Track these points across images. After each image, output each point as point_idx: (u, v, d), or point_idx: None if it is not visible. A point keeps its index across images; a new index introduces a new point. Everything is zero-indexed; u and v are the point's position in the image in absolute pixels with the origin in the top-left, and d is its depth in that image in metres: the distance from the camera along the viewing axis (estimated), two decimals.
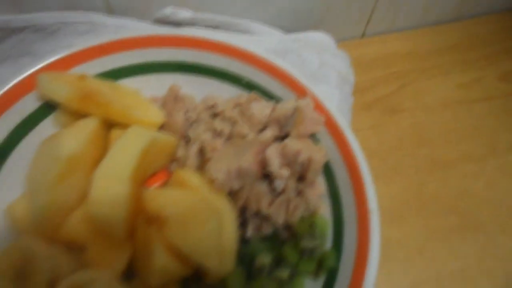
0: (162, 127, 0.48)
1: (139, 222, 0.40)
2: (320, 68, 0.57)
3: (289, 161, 0.41)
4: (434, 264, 0.55)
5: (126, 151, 0.39)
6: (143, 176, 0.44)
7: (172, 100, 0.48)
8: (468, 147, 0.67)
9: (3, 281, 0.36)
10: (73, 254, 0.40)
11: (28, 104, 0.44)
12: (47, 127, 0.45)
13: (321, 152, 0.42)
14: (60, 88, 0.42)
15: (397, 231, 0.57)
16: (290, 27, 0.62)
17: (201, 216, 0.37)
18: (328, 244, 0.42)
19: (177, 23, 0.54)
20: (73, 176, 0.40)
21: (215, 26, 0.57)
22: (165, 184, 0.47)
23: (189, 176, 0.43)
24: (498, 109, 0.73)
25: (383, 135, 0.66)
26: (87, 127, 0.42)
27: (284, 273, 0.41)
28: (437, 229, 0.58)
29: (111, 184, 0.38)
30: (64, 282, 0.36)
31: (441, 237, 0.57)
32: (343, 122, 0.44)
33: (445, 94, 0.73)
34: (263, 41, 0.57)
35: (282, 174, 0.41)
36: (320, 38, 0.61)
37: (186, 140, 0.47)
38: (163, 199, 0.39)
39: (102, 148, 0.44)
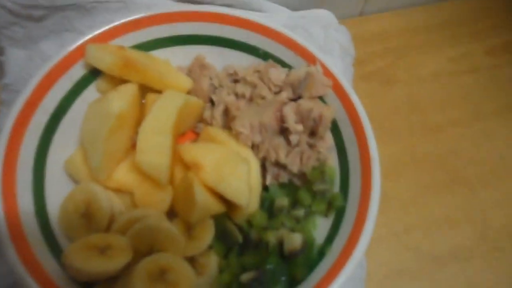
0: (189, 93, 0.55)
1: (178, 170, 0.47)
2: (325, 41, 0.64)
3: (302, 118, 0.49)
4: (424, 212, 0.63)
5: (166, 109, 0.46)
6: (178, 132, 0.51)
7: (197, 68, 0.54)
8: (456, 113, 0.74)
9: (73, 217, 0.44)
10: (122, 198, 0.48)
11: (75, 73, 0.50)
12: (90, 93, 0.52)
13: (330, 109, 0.49)
14: (105, 57, 0.48)
15: (393, 185, 0.65)
16: (296, 5, 0.69)
17: (232, 161, 0.45)
18: (336, 188, 0.50)
19: (198, 1, 0.60)
20: (121, 131, 0.47)
21: (230, 5, 0.63)
22: (194, 142, 0.54)
23: (217, 132, 0.50)
24: (484, 80, 0.80)
25: (380, 102, 0.74)
26: (129, 91, 0.48)
27: (299, 212, 0.49)
28: (428, 184, 0.66)
29: (155, 136, 0.45)
30: (122, 217, 0.44)
31: (431, 191, 0.65)
32: (348, 85, 0.51)
33: (436, 67, 0.80)
34: (274, 18, 0.63)
35: (297, 128, 0.48)
36: (324, 15, 0.68)
37: (211, 103, 0.54)
38: (198, 150, 0.46)
39: (139, 110, 0.51)
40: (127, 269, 0.42)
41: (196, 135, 0.55)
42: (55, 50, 0.50)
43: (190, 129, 0.55)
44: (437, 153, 0.69)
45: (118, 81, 0.51)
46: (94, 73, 0.52)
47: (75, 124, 0.49)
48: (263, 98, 0.50)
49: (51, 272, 0.41)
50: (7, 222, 0.41)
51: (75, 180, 0.48)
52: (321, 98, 0.52)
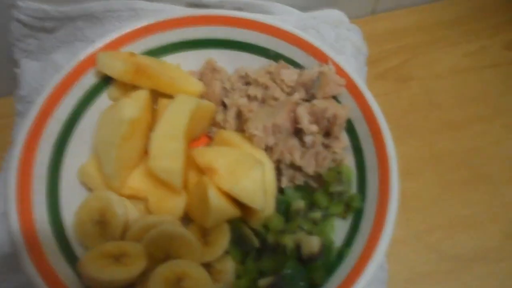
0: (201, 97, 0.54)
1: (192, 175, 0.47)
2: (336, 40, 0.62)
3: (317, 118, 0.47)
4: (447, 212, 0.61)
5: (178, 114, 0.46)
6: (191, 136, 0.50)
7: (209, 72, 0.54)
8: (476, 109, 0.72)
9: (88, 225, 0.43)
10: (137, 205, 0.47)
11: (87, 81, 0.50)
12: (102, 101, 0.52)
13: (345, 109, 0.48)
14: (116, 64, 0.48)
15: (414, 185, 0.63)
16: (306, 6, 0.68)
17: (246, 164, 0.44)
18: (354, 189, 0.48)
19: (207, 6, 0.60)
20: (134, 138, 0.46)
21: (239, 8, 0.62)
22: (208, 146, 0.53)
23: (230, 135, 0.49)
24: (503, 75, 0.77)
25: (396, 101, 0.72)
26: (141, 97, 0.48)
27: (317, 214, 0.47)
28: (449, 182, 0.64)
29: (168, 141, 0.44)
30: (136, 224, 0.44)
31: (453, 189, 0.63)
32: (362, 84, 0.50)
33: (453, 63, 0.78)
34: (285, 19, 0.62)
35: (311, 129, 0.47)
36: (335, 15, 0.67)
37: (224, 106, 0.53)
38: (211, 153, 0.46)
39: (151, 115, 0.51)
40: (143, 276, 0.41)
41: (210, 139, 0.55)
42: (68, 60, 0.51)
43: (203, 133, 0.55)
44: (457, 151, 0.67)
45: (129, 87, 0.51)
46: (105, 81, 0.52)
47: (88, 132, 0.49)
48: (275, 99, 0.49)
49: (68, 282, 0.40)
50: (23, 233, 0.41)
51: (89, 188, 0.48)
52: (335, 97, 0.51)
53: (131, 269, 0.40)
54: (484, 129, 0.70)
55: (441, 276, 0.56)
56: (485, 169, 0.65)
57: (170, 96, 0.51)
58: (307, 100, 0.50)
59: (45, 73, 0.56)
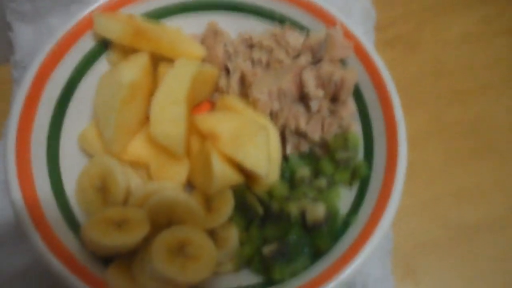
0: (203, 61, 0.52)
1: (194, 141, 0.46)
2: (345, 4, 0.60)
3: (323, 82, 0.46)
4: (454, 181, 0.60)
5: (179, 78, 0.44)
6: (193, 102, 0.49)
7: (211, 35, 0.52)
8: (487, 78, 0.70)
9: (89, 192, 0.43)
10: (138, 172, 0.46)
11: (84, 45, 0.48)
12: (101, 65, 0.50)
13: (352, 72, 0.46)
14: (114, 26, 0.46)
15: (420, 154, 0.62)
16: None
17: (250, 130, 0.43)
18: (360, 156, 0.47)
19: None
20: (134, 102, 0.45)
21: None
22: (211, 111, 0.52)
23: (234, 100, 0.48)
24: None
25: (404, 68, 0.70)
26: (141, 60, 0.46)
27: (322, 182, 0.46)
28: (457, 152, 0.62)
29: (169, 106, 0.43)
30: (138, 190, 0.43)
31: (460, 158, 0.62)
32: (370, 47, 0.48)
33: (465, 29, 0.75)
34: None
35: (317, 94, 0.46)
36: None
37: (226, 71, 0.52)
38: (214, 119, 0.44)
39: (152, 80, 0.49)
40: (146, 242, 0.41)
41: (212, 105, 0.53)
42: (64, 23, 0.48)
43: (206, 98, 0.53)
44: (466, 120, 0.66)
45: (129, 51, 0.49)
46: (104, 45, 0.50)
47: (88, 97, 0.48)
48: (280, 62, 0.48)
49: (72, 249, 0.40)
50: (26, 201, 0.40)
51: (89, 155, 0.47)
52: (342, 61, 0.49)
53: (134, 235, 0.39)
54: (493, 98, 0.68)
55: (446, 244, 0.55)
56: (493, 138, 0.64)
57: (171, 60, 0.49)
58: (314, 63, 0.48)
59: (40, 37, 0.54)
